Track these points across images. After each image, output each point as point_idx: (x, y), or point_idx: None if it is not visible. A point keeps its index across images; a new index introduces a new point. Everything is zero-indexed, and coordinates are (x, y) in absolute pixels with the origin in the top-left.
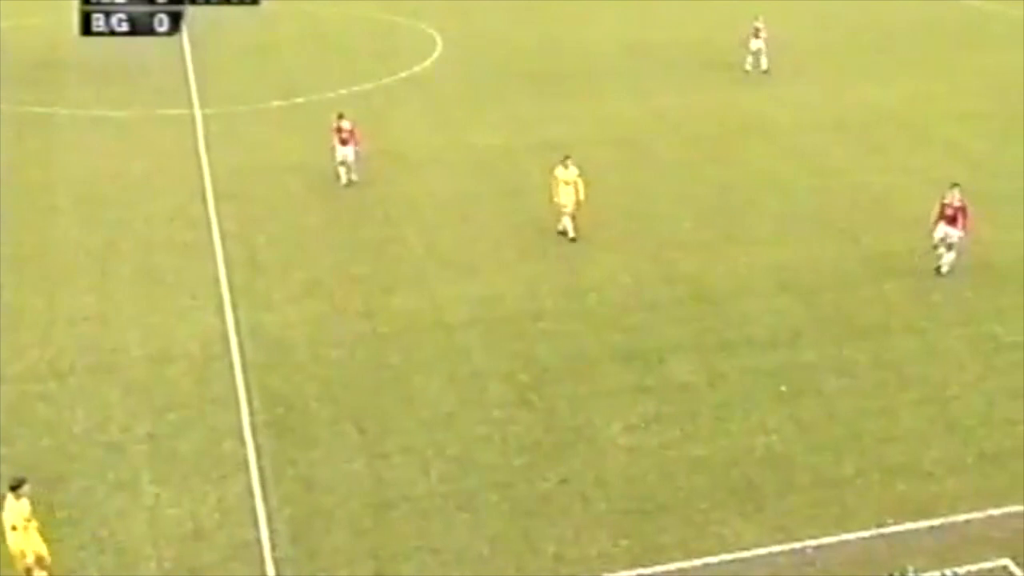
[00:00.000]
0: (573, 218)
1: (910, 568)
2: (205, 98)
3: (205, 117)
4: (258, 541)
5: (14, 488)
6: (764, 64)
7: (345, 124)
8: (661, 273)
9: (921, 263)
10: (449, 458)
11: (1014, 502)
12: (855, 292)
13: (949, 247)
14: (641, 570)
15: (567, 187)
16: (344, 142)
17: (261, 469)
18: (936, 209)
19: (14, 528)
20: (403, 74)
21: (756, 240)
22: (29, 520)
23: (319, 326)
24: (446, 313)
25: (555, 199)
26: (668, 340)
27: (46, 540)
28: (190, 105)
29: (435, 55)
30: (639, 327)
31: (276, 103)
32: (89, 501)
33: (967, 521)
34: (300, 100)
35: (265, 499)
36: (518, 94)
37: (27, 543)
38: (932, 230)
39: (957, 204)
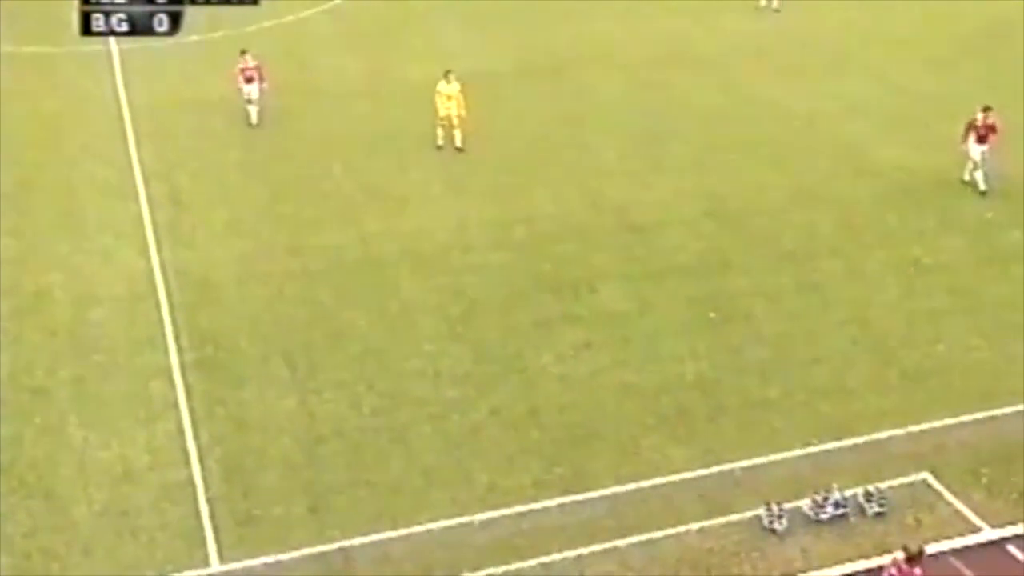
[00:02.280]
0: (457, 128)
1: (835, 486)
2: None
3: (122, 53)
4: (190, 481)
5: None
6: None
7: (249, 61)
8: (589, 202)
9: (842, 188)
10: (381, 392)
11: (933, 418)
12: (780, 218)
13: (978, 166)
14: (574, 496)
15: (449, 101)
16: (249, 80)
17: (191, 409)
18: (963, 130)
19: None
20: (325, 6)
21: (682, 168)
22: None
23: (246, 264)
24: (374, 248)
25: (439, 113)
26: (597, 269)
27: None
28: (106, 41)
29: None
30: (568, 257)
31: (195, 37)
32: (16, 446)
33: (889, 438)
34: (219, 34)
35: (196, 439)
36: (443, 24)
37: None
38: (964, 150)
39: (991, 122)
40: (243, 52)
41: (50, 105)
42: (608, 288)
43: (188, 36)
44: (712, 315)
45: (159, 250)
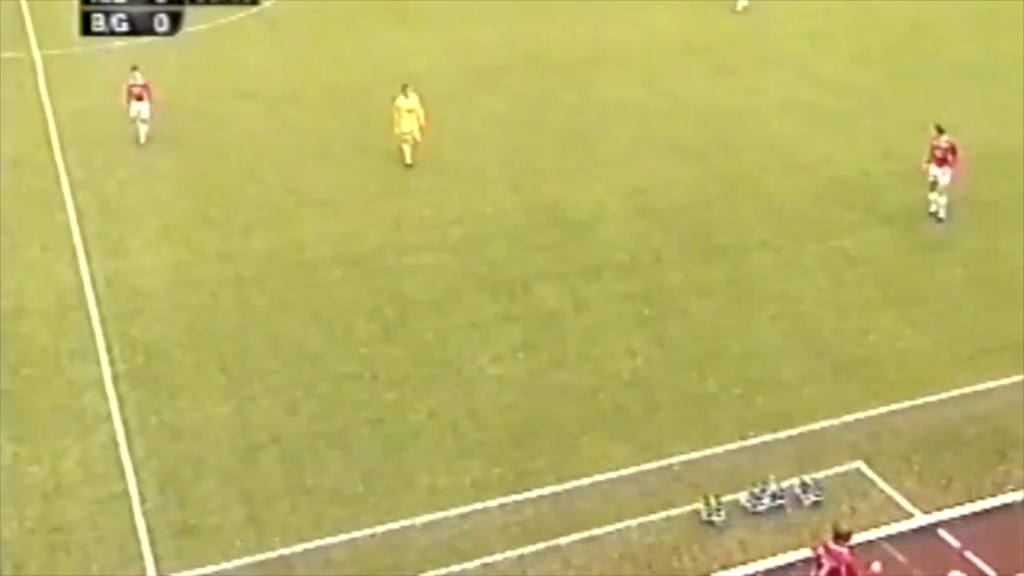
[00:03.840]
0: (414, 145)
1: (771, 477)
2: (43, 39)
3: (45, 59)
4: (126, 493)
5: None
6: None
7: (138, 78)
8: (521, 201)
9: (771, 182)
10: (318, 397)
11: (865, 408)
12: (710, 213)
13: (936, 188)
14: (515, 496)
15: (409, 115)
16: (139, 97)
17: (125, 420)
18: (926, 152)
19: None
20: (253, 9)
21: (612, 165)
22: None
23: (178, 271)
24: (308, 252)
25: (397, 128)
26: (532, 268)
27: None
28: (28, 47)
29: None
30: (502, 257)
31: (119, 43)
32: None
33: (823, 428)
34: (145, 40)
35: (131, 450)
36: (371, 27)
37: None
38: (924, 172)
39: (945, 145)
40: (134, 68)
41: None
42: (543, 287)
43: (112, 42)
44: (647, 311)
45: (88, 260)
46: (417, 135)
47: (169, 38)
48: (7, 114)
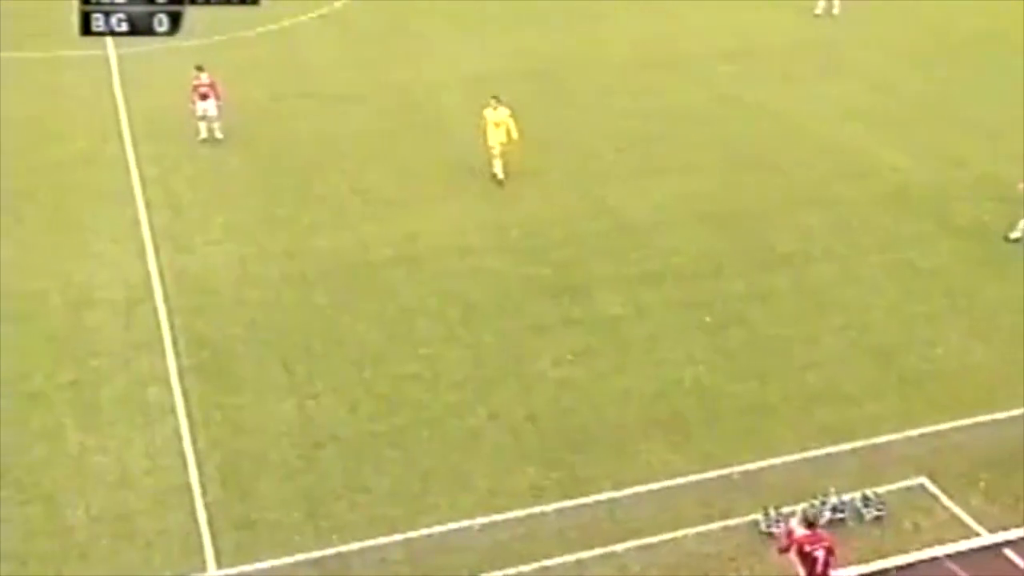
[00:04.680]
0: (504, 159)
1: (832, 490)
2: (119, 38)
3: (120, 58)
4: (188, 486)
5: None
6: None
7: (204, 78)
8: (584, 206)
9: (837, 191)
10: (378, 396)
11: (930, 422)
12: (774, 221)
13: None
14: (571, 501)
15: (497, 128)
16: (204, 96)
17: (189, 413)
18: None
19: None
20: (322, 11)
21: (675, 171)
22: None
23: (243, 268)
24: (371, 252)
25: (488, 141)
26: (594, 273)
27: None
28: (104, 45)
29: None
30: (565, 261)
31: (193, 42)
32: (14, 451)
33: (886, 442)
34: (217, 38)
35: (194, 443)
36: (436, 30)
37: None
38: (1022, 193)
39: None
40: (198, 68)
41: (48, 110)
42: (605, 292)
43: (186, 40)
44: (708, 319)
45: (156, 254)
46: (495, 150)
47: (239, 37)
48: (82, 110)
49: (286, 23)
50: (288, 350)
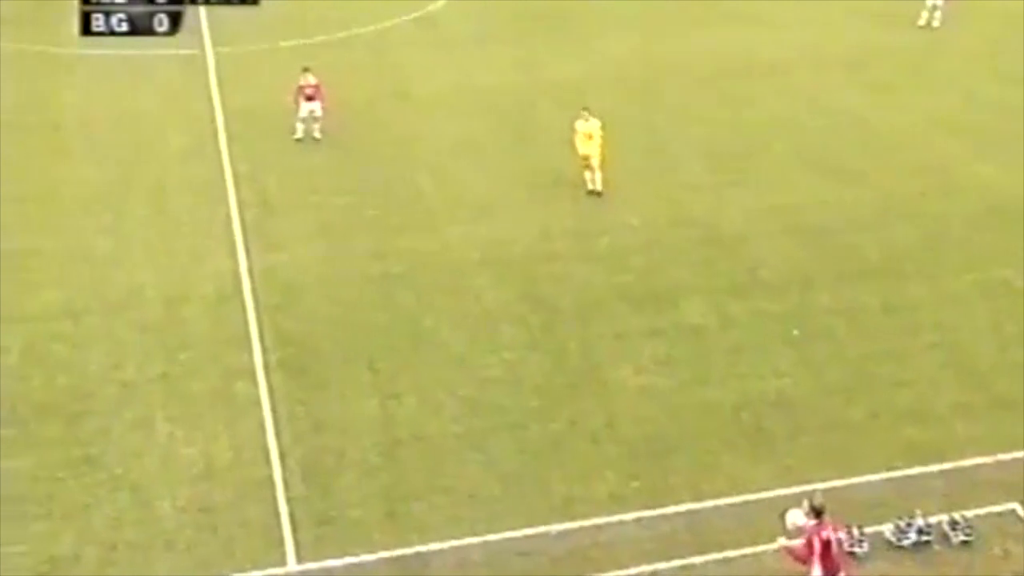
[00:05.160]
0: (595, 170)
1: (918, 512)
2: (217, 37)
3: (217, 56)
4: (270, 480)
5: None
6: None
7: (311, 79)
8: (671, 215)
9: (930, 206)
10: (461, 399)
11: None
12: (864, 235)
13: None
14: (650, 511)
15: (588, 140)
16: (309, 98)
17: (274, 409)
18: None
19: None
20: (415, 14)
21: (764, 182)
22: None
23: (330, 267)
24: (456, 254)
25: (579, 152)
26: (679, 283)
27: (64, 481)
28: (202, 44)
29: None
30: (650, 270)
31: (289, 43)
32: (105, 439)
33: (976, 466)
34: (312, 40)
35: (277, 439)
36: (527, 35)
37: None
38: None
39: None
40: (305, 69)
41: (146, 106)
42: (689, 302)
43: (282, 41)
44: (794, 332)
45: (247, 251)
46: (594, 162)
47: (334, 39)
48: (180, 107)
49: (381, 25)
50: (372, 349)
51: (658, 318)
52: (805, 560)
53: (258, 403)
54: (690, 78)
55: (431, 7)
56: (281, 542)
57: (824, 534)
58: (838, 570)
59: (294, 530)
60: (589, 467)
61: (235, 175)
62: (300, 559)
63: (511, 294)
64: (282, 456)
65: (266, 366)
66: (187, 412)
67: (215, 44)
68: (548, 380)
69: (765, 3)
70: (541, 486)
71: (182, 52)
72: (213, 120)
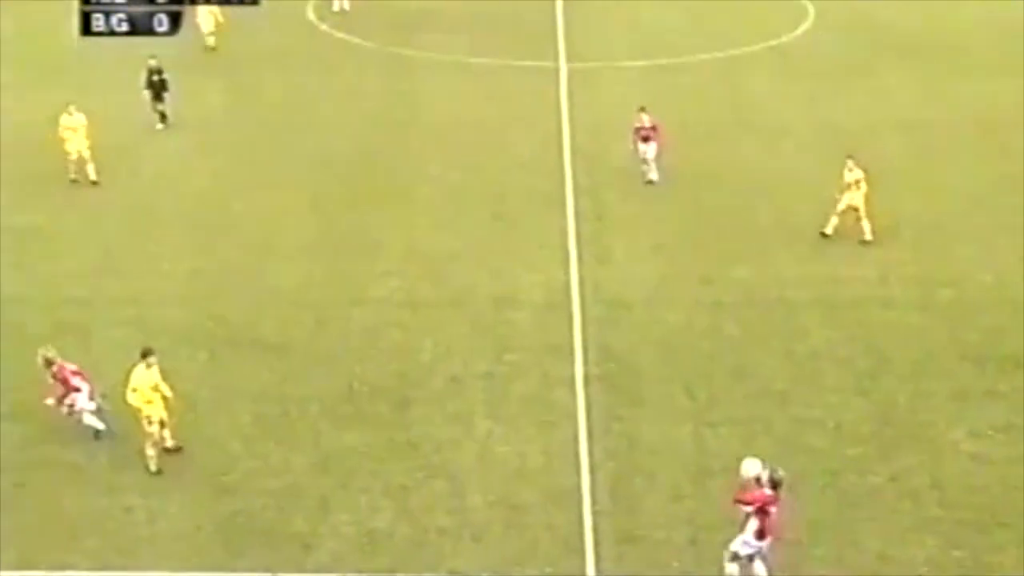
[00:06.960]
0: (864, 219)
1: None
2: (571, 52)
3: (570, 71)
4: (578, 490)
5: (144, 356)
6: None
7: (646, 120)
8: None
9: None
10: (776, 436)
11: None
12: None
13: None
14: None
15: (852, 188)
16: (646, 139)
17: (589, 421)
18: None
19: (134, 390)
20: (771, 42)
21: None
22: (156, 389)
23: (659, 287)
24: (788, 289)
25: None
26: None
27: (387, 461)
28: (555, 58)
29: (806, 25)
30: (997, 329)
31: (640, 62)
32: (427, 427)
33: None
34: (662, 61)
35: (590, 450)
36: (887, 71)
37: (145, 406)
38: None
39: None
40: (641, 109)
41: (495, 114)
42: None
43: (632, 60)
44: None
45: (579, 263)
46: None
47: (682, 63)
48: (527, 117)
49: (733, 52)
50: (692, 375)
51: (1001, 381)
52: (750, 503)
53: (574, 413)
54: None
55: (785, 37)
56: (582, 551)
57: (772, 506)
58: (770, 533)
59: (596, 542)
60: (908, 527)
61: (576, 187)
62: (599, 572)
63: (841, 335)
64: (592, 469)
65: (586, 378)
66: (506, 412)
67: (569, 59)
68: (871, 430)
69: None
70: (852, 538)
71: (533, 64)
72: (559, 132)
